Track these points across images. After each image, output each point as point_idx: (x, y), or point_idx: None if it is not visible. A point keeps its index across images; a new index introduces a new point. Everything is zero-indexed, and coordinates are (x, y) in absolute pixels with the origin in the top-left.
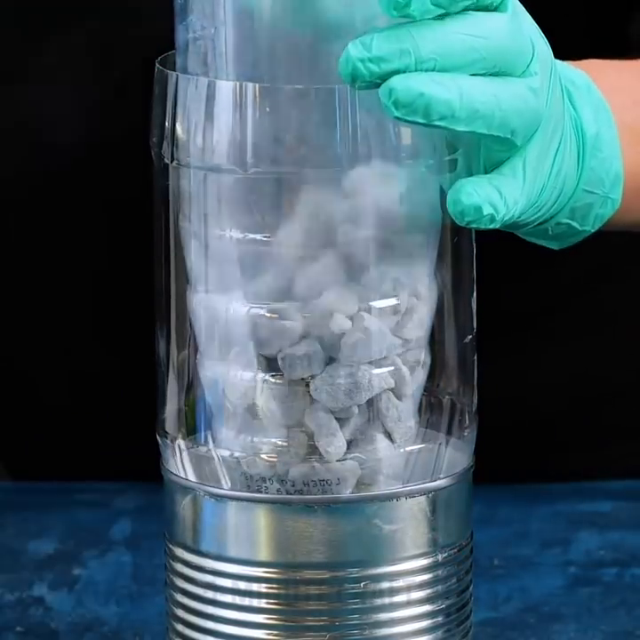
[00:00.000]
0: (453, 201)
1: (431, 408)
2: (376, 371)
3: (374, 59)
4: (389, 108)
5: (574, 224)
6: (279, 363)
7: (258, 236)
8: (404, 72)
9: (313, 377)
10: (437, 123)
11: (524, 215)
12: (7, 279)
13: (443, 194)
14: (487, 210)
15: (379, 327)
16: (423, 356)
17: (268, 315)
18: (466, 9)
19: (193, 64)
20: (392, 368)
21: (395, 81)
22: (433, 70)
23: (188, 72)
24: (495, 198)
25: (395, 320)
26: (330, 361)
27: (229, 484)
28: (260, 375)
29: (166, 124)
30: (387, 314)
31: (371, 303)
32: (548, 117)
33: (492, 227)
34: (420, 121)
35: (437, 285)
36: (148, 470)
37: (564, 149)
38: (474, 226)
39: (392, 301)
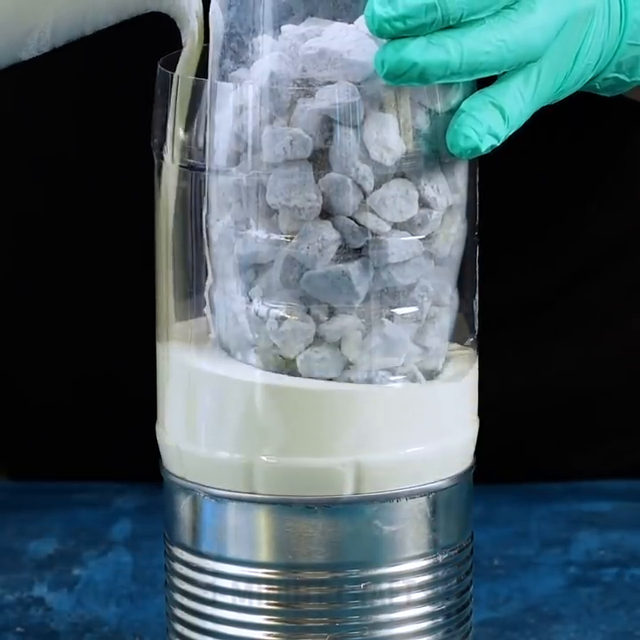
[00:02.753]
0: (451, 143)
1: None
2: (392, 377)
3: (400, 17)
4: (383, 77)
5: (622, 77)
6: (297, 364)
7: (276, 237)
8: (431, 26)
9: (330, 380)
10: (436, 82)
11: (544, 103)
12: (5, 280)
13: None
14: (486, 145)
15: (399, 334)
16: (440, 365)
17: (288, 316)
18: None
19: (229, 60)
20: (409, 375)
21: (387, 52)
22: (460, 19)
23: (223, 67)
24: (496, 124)
25: (415, 328)
26: (347, 365)
27: (230, 485)
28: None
29: (168, 125)
30: (408, 321)
31: (392, 310)
32: (576, 9)
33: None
34: (417, 84)
35: (459, 295)
36: (148, 470)
37: (599, 24)
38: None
39: (414, 309)
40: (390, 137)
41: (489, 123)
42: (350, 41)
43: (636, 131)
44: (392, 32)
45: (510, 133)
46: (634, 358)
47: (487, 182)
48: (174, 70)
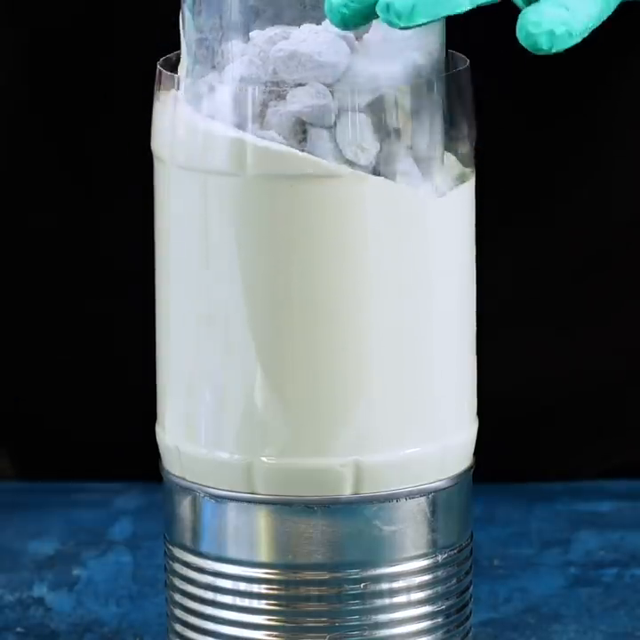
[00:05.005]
0: (524, 35)
1: None
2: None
3: None
4: (393, 24)
5: None
6: None
7: None
8: None
9: None
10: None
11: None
12: (8, 279)
13: None
14: (559, 30)
15: None
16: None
17: None
18: None
19: (200, 66)
20: None
21: None
22: None
23: (194, 72)
24: (564, 16)
25: None
26: None
27: (230, 485)
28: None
29: (167, 125)
30: None
31: None
32: None
33: (571, 45)
34: (432, 20)
35: None
36: (148, 470)
37: None
38: (555, 51)
39: None
40: (365, 137)
41: (554, 13)
42: (321, 42)
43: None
44: (351, 16)
45: (584, 34)
46: (632, 356)
47: (482, 175)
48: (174, 71)
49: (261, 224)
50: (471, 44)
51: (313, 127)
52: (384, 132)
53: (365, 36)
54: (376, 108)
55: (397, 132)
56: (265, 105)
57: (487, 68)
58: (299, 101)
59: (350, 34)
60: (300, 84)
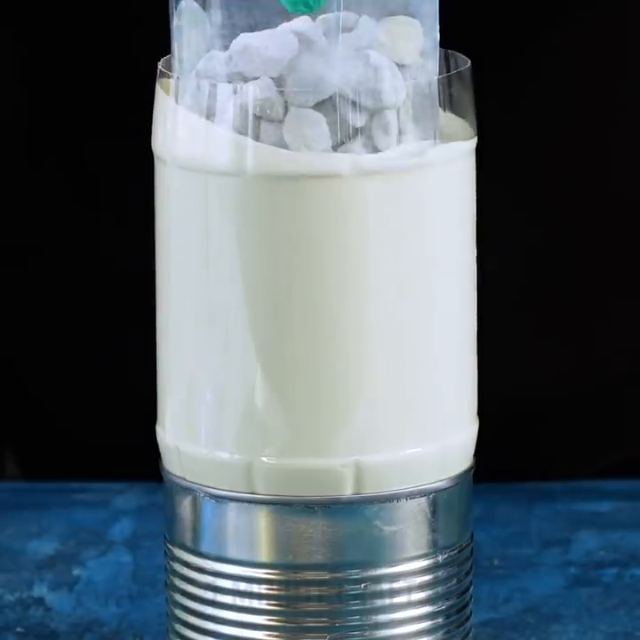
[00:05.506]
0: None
1: None
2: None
3: None
4: None
5: None
6: None
7: None
8: None
9: None
10: None
11: None
12: (8, 279)
13: None
14: None
15: None
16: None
17: None
18: None
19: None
20: None
21: None
22: None
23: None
24: None
25: None
26: None
27: (230, 485)
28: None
29: (167, 125)
30: None
31: None
32: None
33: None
34: None
35: None
36: (148, 470)
37: None
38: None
39: None
40: (313, 133)
41: None
42: (270, 36)
43: None
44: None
45: None
46: (632, 356)
47: (483, 174)
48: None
49: (262, 224)
50: (471, 43)
51: (263, 120)
52: (334, 129)
53: (326, 38)
54: (325, 107)
55: (350, 129)
56: (221, 98)
57: (487, 67)
58: (249, 95)
59: (312, 33)
60: (255, 78)
